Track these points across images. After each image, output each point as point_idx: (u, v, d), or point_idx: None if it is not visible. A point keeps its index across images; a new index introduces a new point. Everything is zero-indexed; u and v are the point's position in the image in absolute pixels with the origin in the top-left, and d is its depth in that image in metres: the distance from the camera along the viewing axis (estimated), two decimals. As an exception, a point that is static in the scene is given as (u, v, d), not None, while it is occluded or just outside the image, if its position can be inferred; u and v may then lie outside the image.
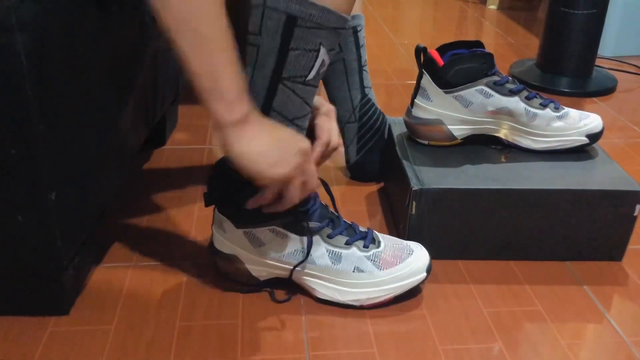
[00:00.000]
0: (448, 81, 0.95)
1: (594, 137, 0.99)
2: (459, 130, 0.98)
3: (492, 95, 0.95)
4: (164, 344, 0.76)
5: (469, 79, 0.95)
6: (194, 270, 0.89)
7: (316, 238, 0.81)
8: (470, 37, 2.09)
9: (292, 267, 0.81)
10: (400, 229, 0.96)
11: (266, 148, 0.69)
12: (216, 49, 0.65)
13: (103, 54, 0.79)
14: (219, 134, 0.69)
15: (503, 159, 0.97)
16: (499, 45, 2.00)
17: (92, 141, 0.79)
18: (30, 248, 0.74)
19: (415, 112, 0.99)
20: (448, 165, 0.94)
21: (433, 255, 0.87)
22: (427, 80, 0.97)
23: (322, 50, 0.72)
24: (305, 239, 0.80)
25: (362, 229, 0.84)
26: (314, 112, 0.84)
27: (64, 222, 0.74)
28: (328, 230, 0.81)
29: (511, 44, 2.01)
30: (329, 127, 0.84)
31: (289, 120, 0.75)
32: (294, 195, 0.74)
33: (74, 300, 0.82)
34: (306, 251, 0.79)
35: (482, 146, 1.01)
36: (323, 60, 0.73)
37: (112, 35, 0.81)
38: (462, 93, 0.96)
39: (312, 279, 0.82)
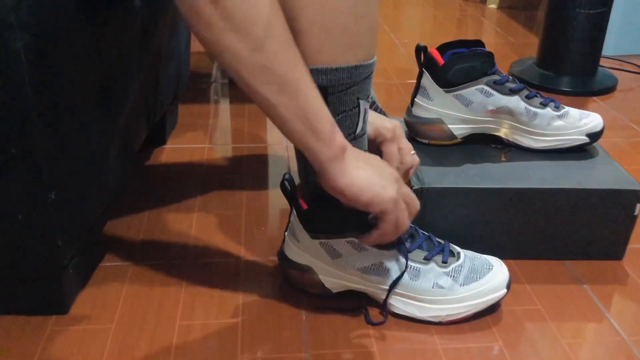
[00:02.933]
0: (448, 80, 0.95)
1: (594, 136, 0.99)
2: (459, 130, 0.98)
3: (492, 94, 0.95)
4: (164, 344, 0.76)
5: (469, 78, 0.95)
6: (194, 270, 0.89)
7: (394, 252, 0.78)
8: (471, 36, 2.08)
9: (368, 281, 0.79)
10: None
11: (370, 174, 0.68)
12: (300, 89, 0.63)
13: (103, 53, 0.79)
14: (319, 171, 0.67)
15: (503, 159, 0.97)
16: (499, 44, 2.00)
17: (92, 141, 0.79)
18: (31, 248, 0.74)
19: (416, 111, 0.99)
20: (449, 165, 0.94)
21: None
22: (427, 79, 0.97)
23: (361, 102, 0.72)
24: (384, 252, 0.78)
25: (439, 241, 0.82)
26: (379, 139, 0.83)
27: (64, 222, 0.74)
28: (406, 244, 0.79)
29: (511, 43, 2.01)
30: (395, 151, 0.83)
31: None
32: (404, 218, 0.72)
33: (74, 299, 0.82)
34: (403, 267, 0.77)
35: (483, 145, 1.00)
36: (365, 109, 0.73)
37: (112, 35, 0.81)
38: (462, 92, 0.95)
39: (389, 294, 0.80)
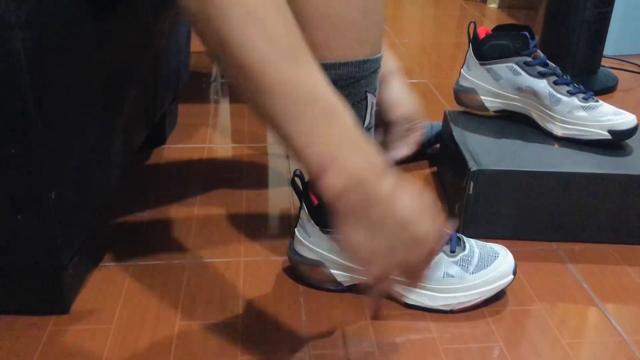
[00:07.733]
0: (483, 54, 1.05)
1: (618, 134, 0.99)
2: (490, 102, 1.07)
3: (520, 73, 1.02)
4: (164, 344, 0.76)
5: (502, 55, 1.03)
6: (194, 270, 0.89)
7: None
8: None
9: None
10: (456, 209, 0.99)
11: (364, 240, 0.57)
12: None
13: (103, 53, 0.79)
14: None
15: (556, 146, 1.01)
16: (499, 44, 2.00)
17: (92, 140, 0.79)
18: (30, 247, 0.74)
19: (459, 80, 1.11)
20: (502, 151, 0.99)
21: (486, 235, 0.93)
22: (469, 51, 1.08)
23: (369, 96, 0.72)
24: None
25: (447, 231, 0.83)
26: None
27: (64, 222, 0.74)
28: None
29: (511, 43, 2.01)
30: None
31: None
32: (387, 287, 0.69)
33: (73, 299, 0.82)
34: None
35: (535, 133, 1.05)
36: (372, 103, 0.73)
37: (112, 34, 0.81)
38: (493, 67, 1.04)
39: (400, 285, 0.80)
